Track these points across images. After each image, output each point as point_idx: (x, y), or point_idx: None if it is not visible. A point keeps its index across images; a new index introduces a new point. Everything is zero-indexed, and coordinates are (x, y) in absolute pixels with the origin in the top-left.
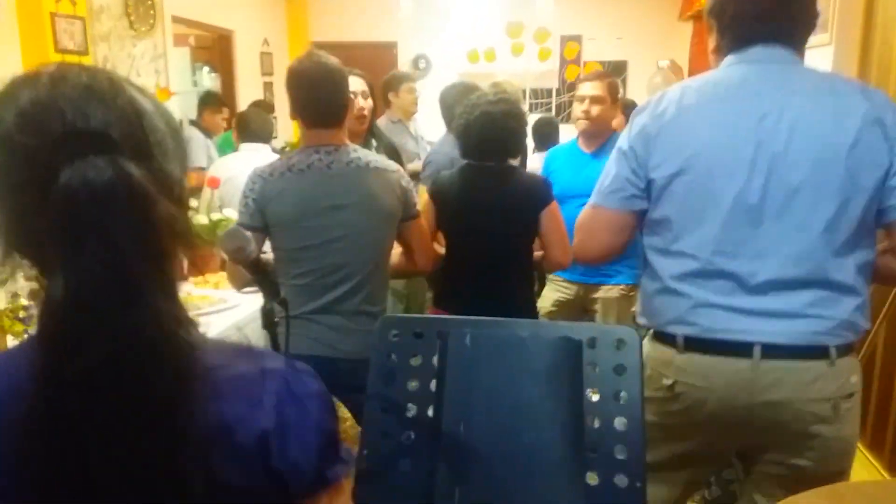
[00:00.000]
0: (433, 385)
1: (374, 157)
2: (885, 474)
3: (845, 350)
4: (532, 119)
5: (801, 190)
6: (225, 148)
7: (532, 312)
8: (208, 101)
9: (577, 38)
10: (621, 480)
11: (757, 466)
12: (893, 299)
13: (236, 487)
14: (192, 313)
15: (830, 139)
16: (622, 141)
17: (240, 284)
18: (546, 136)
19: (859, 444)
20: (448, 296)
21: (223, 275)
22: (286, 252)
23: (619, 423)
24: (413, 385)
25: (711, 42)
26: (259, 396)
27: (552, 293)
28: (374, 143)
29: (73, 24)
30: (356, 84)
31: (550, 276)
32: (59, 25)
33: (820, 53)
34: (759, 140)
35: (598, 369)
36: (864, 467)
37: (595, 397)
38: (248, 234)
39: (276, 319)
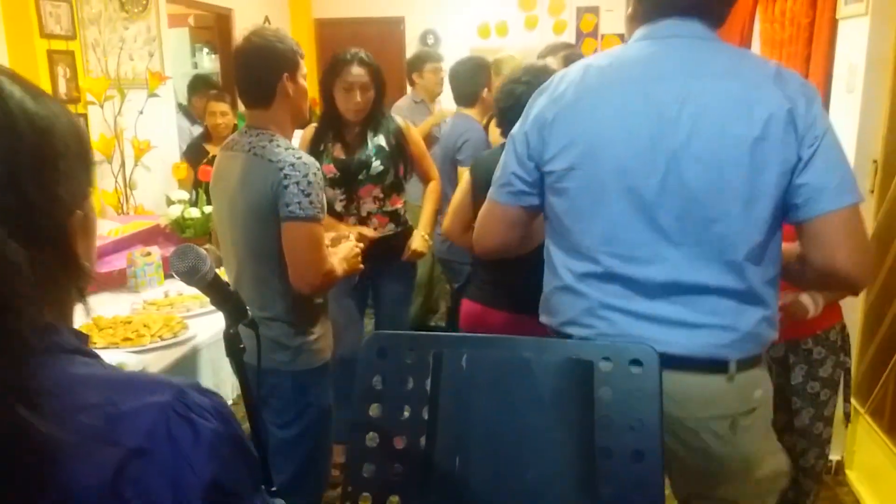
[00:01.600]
0: (426, 412)
1: (265, 141)
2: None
3: (748, 363)
4: None
5: (702, 188)
6: None
7: None
8: (197, 86)
9: (595, 10)
10: None
11: None
12: None
13: None
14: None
15: (735, 131)
16: (517, 127)
17: None
18: None
19: (892, 445)
20: (486, 285)
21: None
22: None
23: (635, 455)
24: (403, 413)
25: (629, 7)
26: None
27: None
28: (370, 132)
29: (59, 8)
30: (356, 75)
31: None
32: (44, 9)
33: (854, 24)
34: (659, 132)
35: (612, 393)
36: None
37: (608, 425)
38: (203, 251)
39: (242, 346)
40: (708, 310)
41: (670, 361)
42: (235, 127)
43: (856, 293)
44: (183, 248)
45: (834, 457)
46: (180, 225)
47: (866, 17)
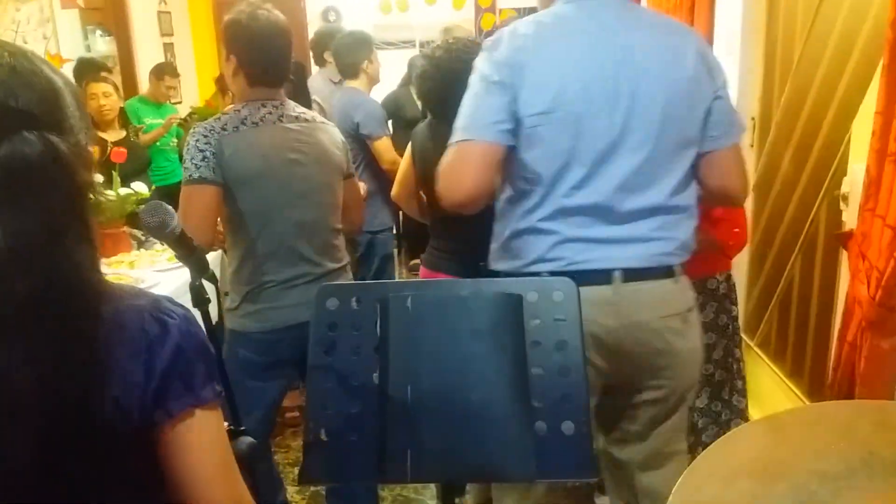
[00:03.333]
0: (376, 352)
1: (311, 112)
2: (806, 400)
3: (682, 268)
4: None
5: (656, 123)
6: (145, 112)
7: None
8: (87, 71)
9: None
10: (568, 427)
11: (620, 401)
12: (807, 231)
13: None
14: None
15: (674, 74)
16: (486, 71)
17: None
18: None
19: (781, 373)
20: (440, 253)
21: (138, 254)
22: (246, 213)
23: (562, 371)
24: (356, 353)
25: None
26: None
27: None
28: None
29: None
30: None
31: None
32: None
33: None
34: (618, 76)
35: (539, 321)
36: (787, 396)
37: (537, 348)
38: (170, 207)
39: (206, 296)
40: (657, 226)
41: (632, 275)
42: (122, 109)
43: (739, 206)
44: (153, 204)
45: None
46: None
47: None
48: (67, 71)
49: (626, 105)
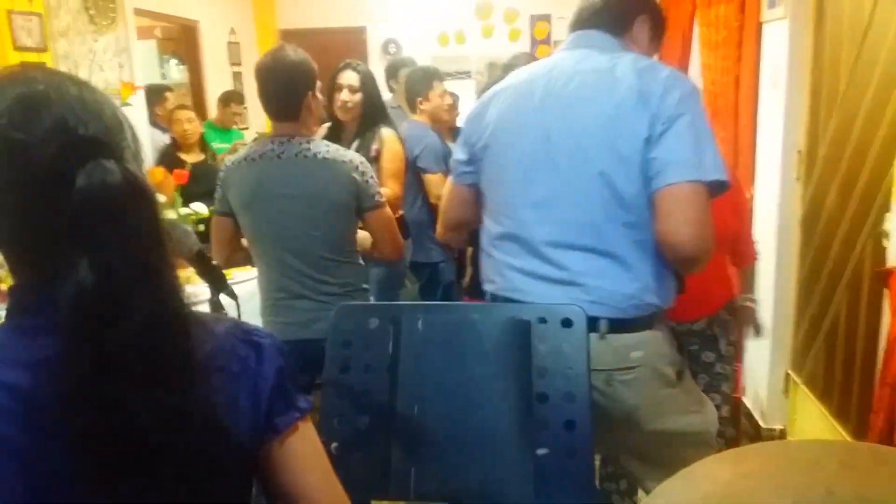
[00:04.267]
0: (388, 370)
1: (325, 148)
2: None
3: (623, 326)
4: None
5: (569, 159)
6: (212, 137)
7: None
8: (156, 94)
9: (547, 18)
10: (570, 453)
11: None
12: (853, 267)
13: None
14: None
15: (595, 110)
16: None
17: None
18: None
19: (828, 413)
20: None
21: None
22: (249, 236)
23: (567, 397)
24: (368, 371)
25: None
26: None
27: None
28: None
29: (30, 21)
30: (346, 78)
31: None
32: (15, 23)
33: (775, 27)
34: (537, 114)
35: (546, 347)
36: (834, 437)
37: (543, 373)
38: (189, 228)
39: (224, 310)
40: (581, 270)
41: None
42: (201, 134)
43: (689, 270)
44: (170, 223)
45: (777, 426)
46: None
47: (785, 21)
48: (141, 97)
49: (542, 140)
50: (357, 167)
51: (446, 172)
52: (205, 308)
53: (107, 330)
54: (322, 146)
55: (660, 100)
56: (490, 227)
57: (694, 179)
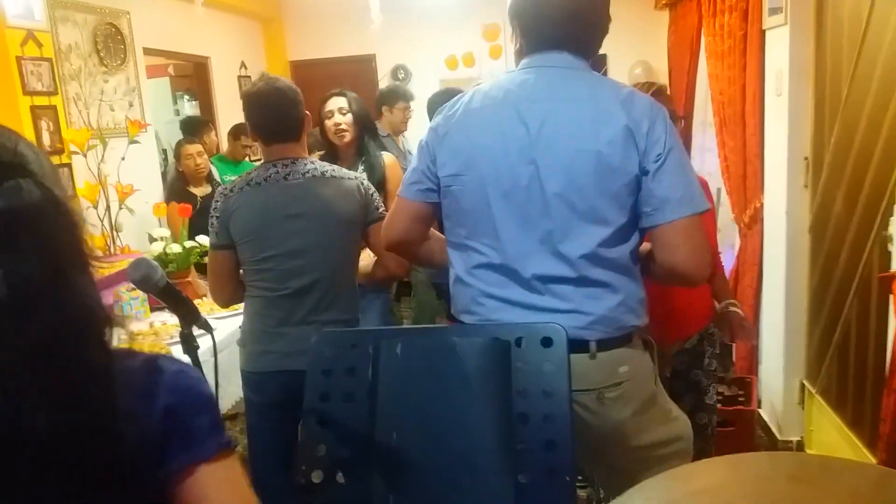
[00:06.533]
0: (367, 397)
1: (330, 167)
2: (867, 452)
3: (610, 343)
4: None
5: (559, 194)
6: (224, 170)
7: None
8: (191, 130)
9: None
10: (550, 476)
11: None
12: (860, 274)
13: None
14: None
15: (583, 146)
16: (423, 135)
17: (223, 301)
18: None
19: (843, 422)
20: None
21: (200, 302)
22: (251, 264)
23: (548, 419)
24: (348, 400)
25: (515, 43)
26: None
27: None
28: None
29: (40, 66)
30: (336, 102)
31: None
32: (25, 68)
33: (777, 34)
34: (524, 146)
35: (526, 367)
36: (851, 447)
37: (523, 395)
38: (155, 263)
39: (196, 344)
40: (567, 297)
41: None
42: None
43: (694, 287)
44: (138, 260)
45: (794, 437)
46: (162, 260)
47: (786, 27)
48: (150, 134)
49: (528, 173)
50: (362, 182)
51: None
52: (207, 363)
53: (16, 330)
54: (326, 165)
55: (647, 136)
56: (466, 255)
57: (689, 214)
